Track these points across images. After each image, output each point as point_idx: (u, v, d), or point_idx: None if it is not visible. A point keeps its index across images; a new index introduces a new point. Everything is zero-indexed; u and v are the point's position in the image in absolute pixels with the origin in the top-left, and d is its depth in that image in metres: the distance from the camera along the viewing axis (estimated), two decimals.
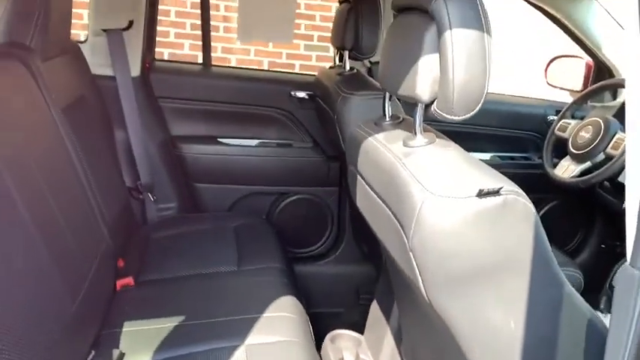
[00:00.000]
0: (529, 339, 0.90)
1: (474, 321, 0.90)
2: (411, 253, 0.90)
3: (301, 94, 2.19)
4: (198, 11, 2.31)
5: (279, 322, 1.40)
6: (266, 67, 4.16)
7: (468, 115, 0.94)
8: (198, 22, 2.33)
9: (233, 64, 4.08)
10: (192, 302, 1.48)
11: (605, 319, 0.96)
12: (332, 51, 3.98)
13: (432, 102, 0.96)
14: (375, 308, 1.67)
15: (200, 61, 2.36)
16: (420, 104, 0.98)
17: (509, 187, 0.86)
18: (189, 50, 4.02)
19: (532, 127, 2.30)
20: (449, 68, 0.90)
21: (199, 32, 2.34)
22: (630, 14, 0.71)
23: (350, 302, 2.21)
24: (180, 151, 2.14)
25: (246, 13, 2.35)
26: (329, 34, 2.04)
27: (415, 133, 1.01)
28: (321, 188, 2.23)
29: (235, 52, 4.08)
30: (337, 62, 2.00)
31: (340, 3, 1.84)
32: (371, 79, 1.79)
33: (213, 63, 2.34)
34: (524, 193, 0.86)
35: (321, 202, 2.25)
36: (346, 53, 1.78)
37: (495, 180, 0.87)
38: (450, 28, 0.89)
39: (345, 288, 2.22)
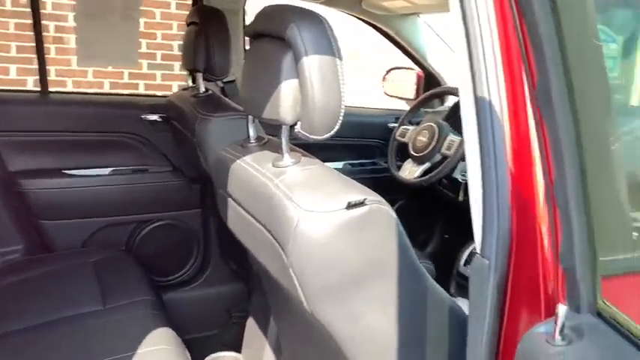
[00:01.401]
0: (402, 334, 0.98)
1: (353, 324, 0.97)
2: (290, 269, 0.94)
3: (153, 117, 2.12)
4: (25, 33, 2.13)
5: (156, 356, 1.36)
6: (108, 89, 3.95)
7: (329, 135, 1.01)
8: (26, 44, 2.15)
9: (70, 89, 3.80)
10: (59, 350, 1.37)
11: (461, 303, 1.09)
12: (177, 69, 3.92)
13: (295, 123, 1.02)
14: (251, 325, 1.69)
15: (33, 86, 2.18)
16: (284, 126, 1.03)
17: (372, 197, 0.94)
18: (17, 75, 3.67)
19: (376, 135, 2.48)
20: (308, 92, 0.97)
21: (27, 55, 2.16)
22: (459, 42, 0.83)
23: (223, 322, 2.19)
24: (20, 188, 1.95)
25: (85, 35, 2.22)
26: (172, 53, 2.02)
27: (282, 154, 1.06)
28: (183, 212, 2.19)
29: (71, 74, 3.80)
30: (191, 84, 1.98)
31: (188, 25, 1.83)
32: (227, 99, 1.81)
33: (50, 89, 2.18)
34: (385, 202, 0.95)
35: (185, 225, 2.21)
36: (199, 75, 1.78)
37: (360, 191, 0.95)
38: (306, 55, 0.96)
39: (217, 309, 2.20)
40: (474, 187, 0.86)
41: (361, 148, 2.48)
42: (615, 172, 0.77)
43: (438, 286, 1.04)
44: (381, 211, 0.94)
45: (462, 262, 1.96)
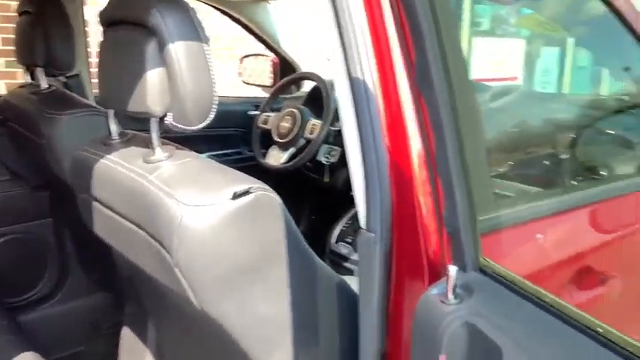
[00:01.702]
0: (295, 317, 0.99)
1: (246, 315, 0.95)
2: (176, 268, 0.89)
3: None
4: None
5: None
6: None
7: (204, 124, 0.97)
8: None
9: None
10: None
11: (350, 281, 1.12)
12: (3, 65, 3.50)
13: (165, 115, 0.96)
14: (126, 335, 1.58)
15: None
16: (153, 119, 0.97)
17: (256, 185, 0.92)
18: None
19: (237, 124, 2.45)
20: (178, 81, 0.92)
21: None
22: (329, 24, 0.84)
23: (92, 336, 2.03)
24: None
25: None
26: None
27: (154, 148, 0.99)
28: (31, 223, 1.96)
29: None
30: (29, 80, 1.77)
31: (20, 15, 1.63)
32: (75, 95, 1.65)
33: None
34: (270, 188, 0.94)
35: (34, 238, 1.98)
36: (40, 70, 1.60)
37: (243, 181, 0.93)
38: (172, 42, 0.90)
39: (82, 323, 2.03)
40: (354, 164, 0.88)
41: (223, 137, 2.44)
42: (479, 138, 0.85)
43: (325, 264, 1.06)
44: (267, 198, 0.92)
45: (334, 239, 2.02)
